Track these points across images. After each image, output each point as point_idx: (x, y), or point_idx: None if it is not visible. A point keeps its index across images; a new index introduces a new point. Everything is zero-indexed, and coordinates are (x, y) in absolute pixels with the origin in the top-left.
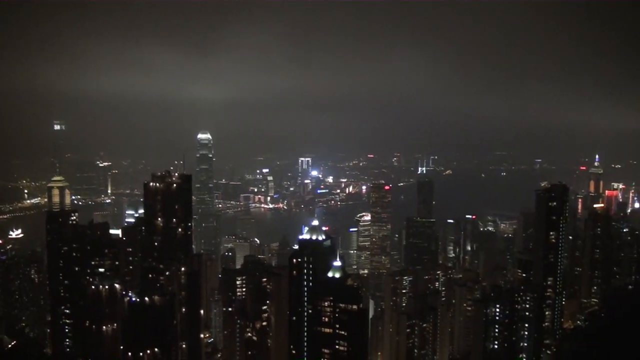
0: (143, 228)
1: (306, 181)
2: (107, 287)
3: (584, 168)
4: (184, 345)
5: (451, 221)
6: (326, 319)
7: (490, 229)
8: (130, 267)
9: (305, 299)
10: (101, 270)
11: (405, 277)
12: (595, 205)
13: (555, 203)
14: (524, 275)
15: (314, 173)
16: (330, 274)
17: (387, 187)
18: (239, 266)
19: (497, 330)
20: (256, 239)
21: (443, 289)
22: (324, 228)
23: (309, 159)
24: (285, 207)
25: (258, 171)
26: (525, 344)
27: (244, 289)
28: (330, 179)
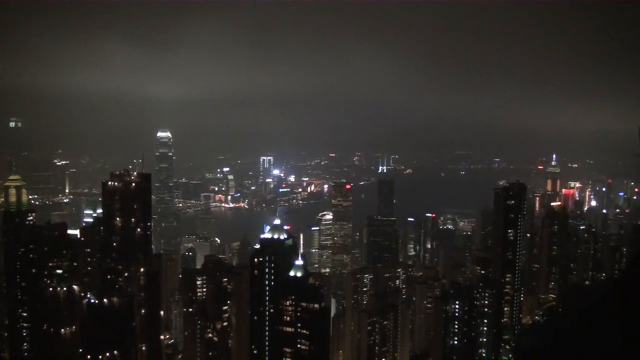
0: (101, 228)
1: (268, 180)
2: (65, 289)
3: (541, 167)
4: (143, 347)
5: (411, 219)
6: (288, 318)
7: (449, 227)
8: (89, 268)
9: (267, 298)
10: (59, 271)
11: (367, 276)
12: (552, 204)
13: (513, 201)
14: (482, 272)
15: (276, 172)
16: (292, 273)
17: (348, 186)
18: (199, 266)
19: (456, 326)
20: (217, 239)
21: (404, 286)
22: (285, 227)
23: (270, 157)
24: (246, 206)
25: (219, 170)
26: (485, 340)
27: (204, 289)
28: (292, 178)
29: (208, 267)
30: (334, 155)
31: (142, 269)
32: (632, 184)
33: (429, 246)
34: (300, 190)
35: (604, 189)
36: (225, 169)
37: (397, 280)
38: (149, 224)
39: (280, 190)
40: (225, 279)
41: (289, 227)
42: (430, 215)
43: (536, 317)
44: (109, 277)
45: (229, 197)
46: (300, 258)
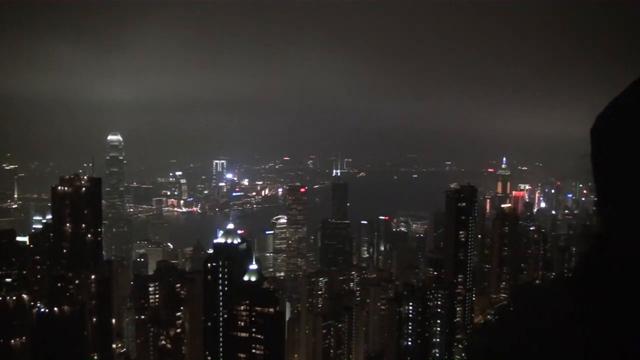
0: (51, 234)
1: (221, 184)
2: (14, 298)
3: (491, 170)
4: (95, 357)
5: (365, 222)
6: (242, 323)
7: (402, 229)
8: (38, 276)
9: (221, 303)
10: (8, 280)
11: (321, 279)
12: (502, 205)
13: (464, 203)
14: (435, 273)
15: (229, 176)
16: (246, 278)
17: (302, 190)
18: (151, 272)
19: (410, 327)
20: (169, 244)
21: (358, 289)
22: (239, 231)
23: (223, 161)
24: (199, 211)
25: (171, 174)
26: (438, 340)
27: (157, 296)
28: (245, 182)
29: (160, 273)
30: (288, 158)
31: (93, 276)
32: (581, 185)
33: (382, 248)
34: (254, 194)
35: (553, 191)
36: (178, 173)
37: (352, 283)
38: (99, 229)
39: (234, 194)
40: (178, 285)
41: (242, 232)
42: (383, 217)
43: (488, 316)
44: (59, 285)
45: (182, 202)
46: (254, 262)
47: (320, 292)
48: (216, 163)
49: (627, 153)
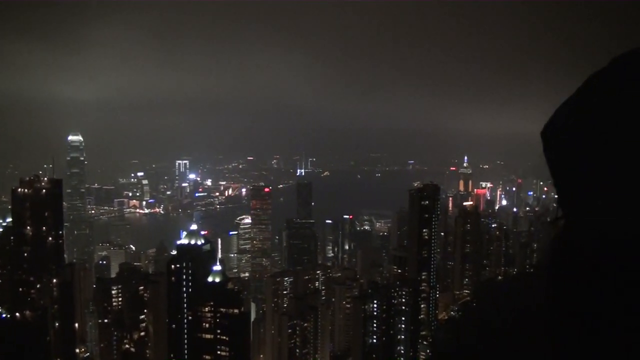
0: (11, 238)
1: (184, 184)
2: None
3: (453, 168)
4: None
5: (329, 221)
6: (207, 325)
7: (366, 228)
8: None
9: (185, 305)
10: None
11: (286, 278)
12: (465, 203)
13: (427, 202)
14: (399, 271)
15: (192, 176)
16: (210, 279)
17: (267, 190)
18: (114, 275)
19: (375, 325)
20: (132, 246)
21: (323, 288)
22: (203, 232)
23: (186, 161)
24: (162, 212)
25: (132, 175)
26: (403, 337)
27: (120, 299)
28: (209, 182)
29: (123, 275)
30: (252, 158)
31: (54, 280)
32: (541, 183)
33: (347, 247)
34: (217, 194)
35: (514, 189)
36: (140, 174)
37: (317, 282)
38: (60, 232)
39: (197, 194)
40: (142, 287)
41: (206, 232)
42: (347, 216)
43: (452, 313)
44: (20, 289)
45: (144, 203)
46: (218, 263)
47: (285, 292)
48: (179, 163)
49: (574, 155)
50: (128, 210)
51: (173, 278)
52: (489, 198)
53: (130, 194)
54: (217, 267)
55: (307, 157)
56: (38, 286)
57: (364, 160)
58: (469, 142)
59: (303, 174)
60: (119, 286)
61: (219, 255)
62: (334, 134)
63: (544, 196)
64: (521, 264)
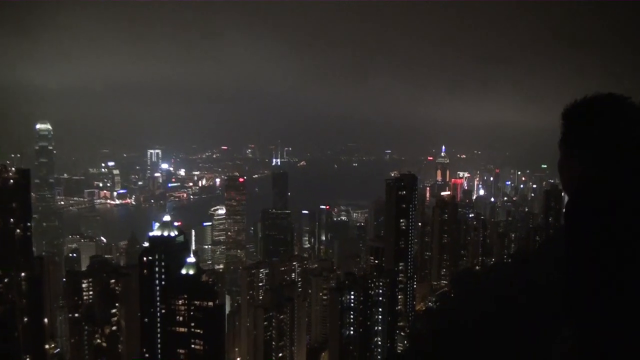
0: None
1: (156, 174)
2: None
3: (431, 158)
4: (28, 358)
5: (306, 212)
6: (181, 318)
7: (343, 218)
8: None
9: (158, 298)
10: None
11: (262, 270)
12: (442, 193)
13: (404, 192)
14: (376, 261)
15: (165, 166)
16: (183, 271)
17: (241, 180)
18: (84, 268)
19: (352, 316)
20: (103, 238)
21: (299, 279)
22: (176, 223)
23: (158, 151)
24: (133, 203)
25: (103, 164)
26: (380, 328)
27: (90, 293)
28: (182, 172)
29: (94, 268)
30: (226, 148)
31: (22, 274)
32: (519, 173)
33: (323, 238)
34: (191, 184)
35: (491, 179)
36: (110, 164)
37: (293, 274)
38: (29, 224)
39: (170, 185)
40: (113, 280)
41: (179, 224)
42: (324, 207)
43: (429, 303)
44: None
45: (115, 193)
46: (192, 255)
47: (260, 284)
48: (151, 153)
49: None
50: (99, 201)
51: (145, 271)
52: (466, 188)
53: (101, 185)
54: (191, 259)
55: (283, 147)
56: (6, 280)
57: (341, 150)
58: (447, 132)
59: (279, 163)
60: (90, 279)
61: (193, 247)
62: (310, 123)
63: (521, 186)
64: (499, 254)
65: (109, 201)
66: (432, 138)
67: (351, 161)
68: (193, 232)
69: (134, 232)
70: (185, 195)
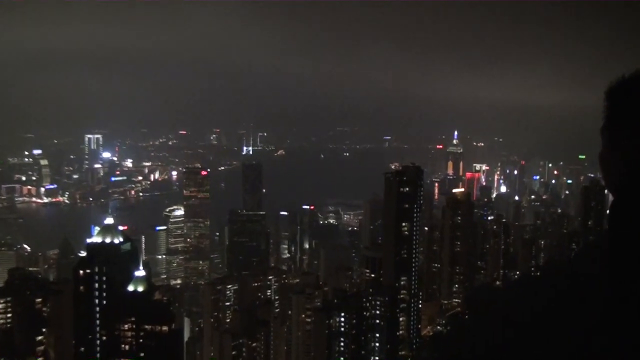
0: None
1: (96, 166)
2: None
3: (440, 147)
4: None
5: (285, 213)
6: (127, 347)
7: (331, 221)
8: None
9: (98, 322)
10: None
11: (229, 286)
12: (454, 190)
13: (407, 188)
14: (372, 275)
15: (107, 155)
16: (131, 288)
17: (204, 173)
18: (2, 284)
19: (342, 343)
20: (26, 246)
21: (276, 297)
22: (121, 227)
23: (99, 136)
24: (67, 201)
25: (27, 153)
26: (377, 358)
27: (9, 315)
28: (129, 163)
29: (14, 284)
30: (185, 132)
31: None
32: (550, 165)
33: (307, 246)
34: (140, 178)
35: (515, 172)
36: (36, 152)
37: (269, 291)
38: None
39: (114, 179)
40: (39, 300)
41: (125, 228)
42: (307, 207)
43: (438, 327)
44: None
45: (42, 190)
46: (141, 267)
47: (228, 304)
48: (89, 138)
49: None
50: (21, 199)
51: (82, 287)
52: (484, 184)
53: (24, 178)
54: (140, 273)
55: (256, 132)
56: None
57: (329, 136)
58: (460, 114)
59: (251, 152)
60: (8, 299)
61: (143, 257)
62: (290, 103)
63: (553, 181)
64: (524, 266)
65: (34, 199)
66: (442, 121)
67: (341, 150)
68: (143, 238)
69: (67, 239)
70: (133, 192)
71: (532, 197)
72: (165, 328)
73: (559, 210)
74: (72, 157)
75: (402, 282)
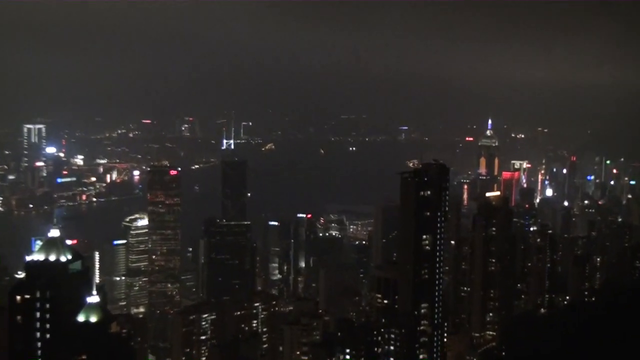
0: None
1: (38, 164)
2: None
3: (470, 139)
4: None
5: (275, 224)
6: None
7: (334, 233)
8: None
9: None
10: None
11: (205, 315)
12: (488, 194)
13: (429, 192)
14: (385, 301)
15: (51, 150)
16: (81, 317)
17: (174, 172)
18: None
19: None
20: None
21: (265, 329)
22: (69, 242)
23: (41, 126)
24: (0, 209)
25: None
26: None
27: None
28: (79, 160)
29: None
30: (149, 122)
31: None
32: (608, 162)
33: (302, 265)
34: (93, 179)
35: (564, 171)
36: None
37: (255, 321)
38: None
39: (60, 180)
40: None
41: (75, 242)
42: (304, 216)
43: None
44: None
45: None
46: (95, 292)
47: (204, 338)
48: (29, 129)
49: None
50: None
51: (19, 316)
52: (525, 185)
53: None
54: (94, 299)
55: (239, 121)
56: None
57: (331, 126)
58: (495, 99)
59: (232, 146)
60: None
61: (97, 279)
62: (282, 85)
63: (612, 182)
64: (576, 289)
65: None
66: (472, 107)
67: (346, 143)
68: (97, 255)
69: (1, 255)
70: (84, 196)
71: (586, 202)
72: None
73: (620, 219)
74: (7, 152)
75: (422, 310)
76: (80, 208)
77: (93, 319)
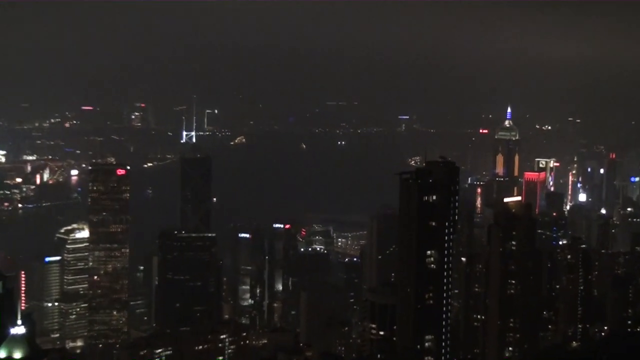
0: None
1: None
2: None
3: (485, 131)
4: None
5: (246, 236)
6: None
7: (318, 248)
8: None
9: None
10: None
11: (159, 350)
12: (506, 200)
13: (435, 196)
14: (381, 332)
15: None
16: (2, 353)
17: (121, 172)
18: None
19: None
20: None
21: None
22: None
23: None
24: None
25: None
26: None
27: None
28: (0, 156)
29: None
30: (90, 108)
31: None
32: None
33: (279, 287)
34: (19, 181)
35: (601, 171)
36: None
37: (221, 357)
38: None
39: None
40: None
41: None
42: (281, 226)
43: None
44: None
45: None
46: (19, 321)
47: None
48: None
49: None
50: None
51: None
52: (552, 189)
53: None
54: (18, 330)
55: (203, 108)
56: None
57: (315, 115)
58: (516, 81)
59: (194, 139)
60: None
61: (23, 305)
62: (254, 64)
63: None
64: (616, 317)
65: None
66: (486, 92)
67: (335, 136)
68: (23, 275)
69: None
70: (6, 202)
71: (628, 210)
72: None
73: None
74: None
75: (426, 344)
76: (4, 216)
77: (17, 354)
